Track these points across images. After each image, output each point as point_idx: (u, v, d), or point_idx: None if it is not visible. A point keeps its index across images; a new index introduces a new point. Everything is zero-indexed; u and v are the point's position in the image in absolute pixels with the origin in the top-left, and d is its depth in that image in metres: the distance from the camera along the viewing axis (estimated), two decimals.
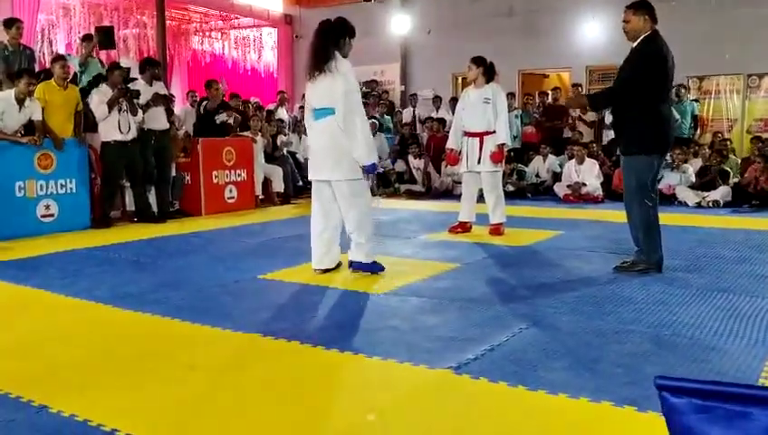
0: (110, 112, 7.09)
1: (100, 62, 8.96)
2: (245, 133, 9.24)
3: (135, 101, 7.31)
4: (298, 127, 11.37)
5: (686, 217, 7.76)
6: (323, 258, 4.75)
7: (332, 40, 4.51)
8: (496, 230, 6.43)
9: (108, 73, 7.40)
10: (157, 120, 7.67)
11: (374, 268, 4.68)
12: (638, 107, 4.44)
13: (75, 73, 7.93)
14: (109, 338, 3.39)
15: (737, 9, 10.91)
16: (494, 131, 6.35)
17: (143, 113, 7.43)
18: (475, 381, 2.66)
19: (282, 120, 10.94)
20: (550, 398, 2.49)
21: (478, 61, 6.49)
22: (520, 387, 2.59)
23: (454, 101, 12.42)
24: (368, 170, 4.55)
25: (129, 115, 7.21)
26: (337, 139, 4.45)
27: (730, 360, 2.88)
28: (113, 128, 7.16)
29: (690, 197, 8.85)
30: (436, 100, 12.46)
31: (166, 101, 7.93)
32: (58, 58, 7.39)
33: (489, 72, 6.51)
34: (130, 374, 2.83)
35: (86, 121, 7.37)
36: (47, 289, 4.37)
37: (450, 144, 6.66)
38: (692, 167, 9.27)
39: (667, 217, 7.64)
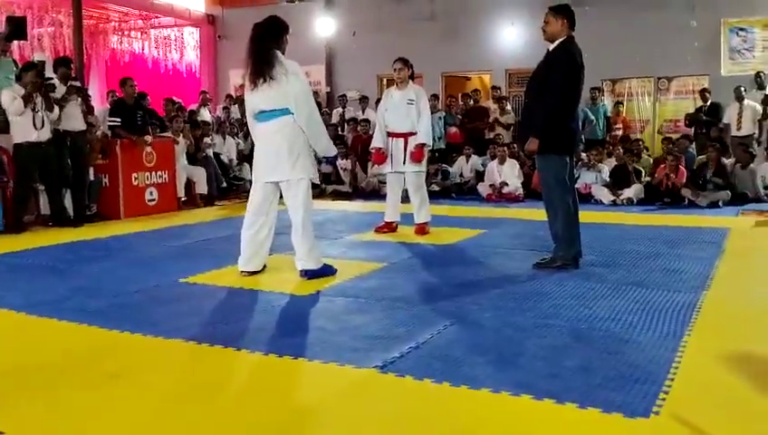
0: (25, 107, 6.76)
1: (14, 62, 8.55)
2: (167, 134, 9.01)
3: (51, 95, 7.00)
4: (222, 128, 11.18)
5: (601, 214, 8.07)
6: (252, 259, 4.69)
7: (272, 41, 4.46)
8: (422, 230, 6.50)
9: (22, 73, 7.05)
10: (73, 120, 7.37)
11: (327, 271, 4.62)
12: (555, 109, 4.59)
13: None
14: (22, 347, 3.24)
15: (647, 14, 11.44)
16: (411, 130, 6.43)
17: (59, 110, 7.12)
18: (401, 380, 2.70)
19: (206, 122, 10.72)
20: (473, 393, 2.55)
21: (406, 61, 6.52)
22: (444, 384, 2.64)
23: (380, 101, 12.53)
24: (330, 161, 4.62)
25: (43, 113, 6.90)
26: (294, 138, 4.41)
27: (643, 352, 3.02)
28: (26, 128, 6.82)
29: (605, 195, 9.21)
30: (363, 100, 12.51)
31: (82, 93, 7.63)
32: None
33: (412, 74, 6.62)
34: (46, 385, 2.72)
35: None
36: None
37: (376, 143, 6.66)
38: (606, 166, 9.66)
39: (583, 215, 7.90)
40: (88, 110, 7.94)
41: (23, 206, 7.06)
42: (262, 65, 4.38)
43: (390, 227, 6.66)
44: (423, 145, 6.44)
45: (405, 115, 6.42)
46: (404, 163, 6.47)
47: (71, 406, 2.49)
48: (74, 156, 7.41)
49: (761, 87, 10.04)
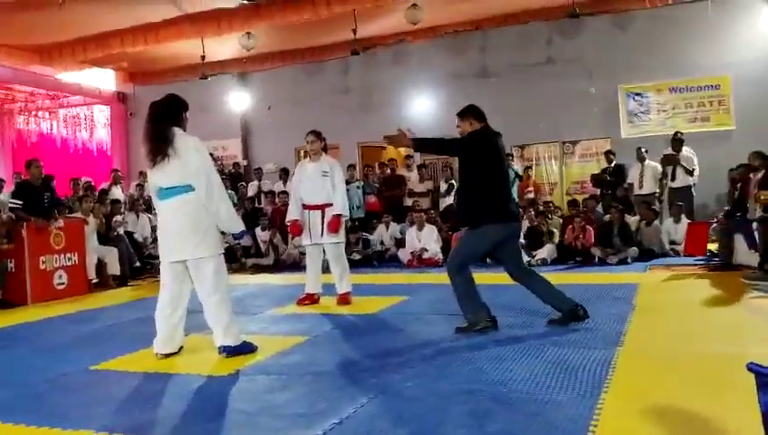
0: None
1: None
2: (76, 214, 8.72)
3: None
4: (135, 205, 10.92)
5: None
6: (169, 342, 4.54)
7: (169, 119, 4.43)
8: (344, 299, 6.49)
9: None
10: None
11: (246, 349, 4.50)
12: (476, 184, 4.95)
13: None
14: None
15: (549, 83, 12.16)
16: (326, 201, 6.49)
17: None
18: None
19: (117, 200, 10.45)
20: None
21: (319, 134, 6.62)
22: None
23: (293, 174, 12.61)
24: (238, 237, 4.53)
25: None
26: (197, 215, 4.33)
27: (563, 412, 3.07)
28: None
29: None
30: (283, 173, 12.54)
31: None
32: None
33: (325, 146, 6.73)
34: None
35: None
36: None
37: (291, 216, 6.65)
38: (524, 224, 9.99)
39: (499, 277, 8.12)
40: None
41: None
42: (159, 142, 4.31)
43: (312, 299, 6.61)
44: (339, 216, 6.50)
45: (320, 187, 6.47)
46: (322, 235, 6.49)
47: None
48: None
49: (675, 149, 10.39)
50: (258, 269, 10.24)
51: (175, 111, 4.50)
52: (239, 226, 4.66)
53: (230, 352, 4.43)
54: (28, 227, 7.76)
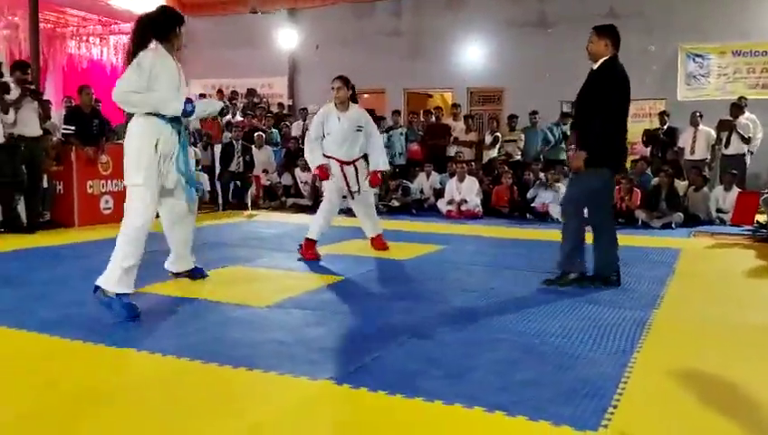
0: None
1: None
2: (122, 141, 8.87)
3: (6, 97, 6.85)
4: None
5: (558, 233, 8.20)
6: (174, 262, 4.79)
7: (156, 35, 4.02)
8: (381, 242, 6.44)
9: (13, 72, 6.91)
10: (28, 125, 7.22)
11: (115, 307, 3.78)
12: (605, 125, 4.64)
13: None
14: None
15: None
16: (365, 155, 6.16)
17: (15, 113, 6.95)
18: (355, 391, 2.70)
19: None
20: (426, 405, 2.57)
21: (347, 80, 6.03)
22: (398, 396, 2.65)
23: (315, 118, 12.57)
24: (187, 112, 4.01)
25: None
26: (129, 139, 4.03)
27: (593, 367, 3.08)
28: None
29: (562, 214, 9.37)
30: None
31: (37, 98, 7.47)
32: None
33: (354, 95, 6.14)
34: None
35: None
36: None
37: (318, 161, 5.94)
38: (564, 186, 9.84)
39: (540, 234, 8.09)
40: (44, 115, 7.78)
41: None
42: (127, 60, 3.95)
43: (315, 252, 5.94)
44: (381, 172, 6.33)
45: (356, 143, 6.04)
46: (358, 189, 6.14)
47: (12, 410, 2.43)
48: (29, 161, 7.25)
49: (733, 115, 10.02)
50: (297, 209, 10.35)
51: (164, 26, 4.06)
52: (180, 103, 4.04)
53: (98, 298, 3.85)
54: (77, 152, 7.94)
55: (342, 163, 6.00)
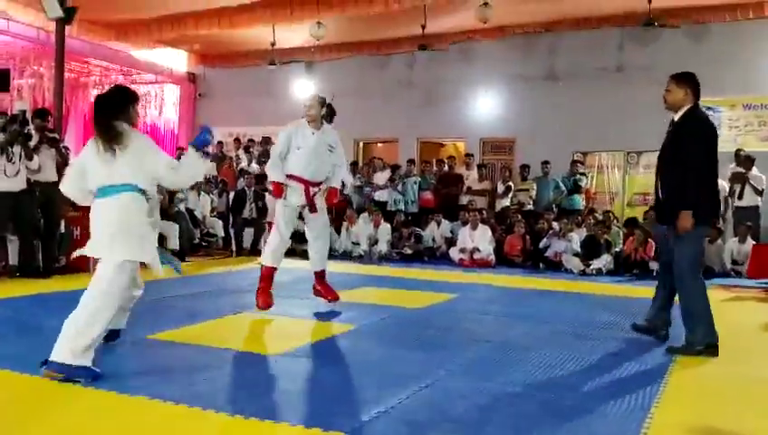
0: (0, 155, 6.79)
1: None
2: None
3: (29, 143, 7.00)
4: (198, 184, 11.20)
5: (571, 283, 8.18)
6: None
7: (116, 114, 3.80)
8: (323, 285, 5.85)
9: (6, 125, 7.07)
10: (46, 170, 7.35)
11: (79, 374, 3.42)
12: (699, 177, 4.38)
13: None
14: None
15: (618, 90, 11.87)
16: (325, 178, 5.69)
17: (37, 157, 7.08)
18: None
19: None
20: None
21: (322, 100, 5.69)
22: None
23: (354, 165, 12.69)
24: (199, 142, 3.81)
25: (20, 163, 6.87)
26: (131, 215, 3.74)
27: (611, 424, 3.03)
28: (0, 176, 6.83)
29: (575, 264, 9.35)
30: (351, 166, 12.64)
31: (55, 144, 7.60)
32: None
33: (330, 115, 5.80)
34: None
35: None
36: None
37: (277, 177, 5.54)
38: (577, 236, 9.83)
39: (554, 284, 8.05)
40: (63, 161, 7.91)
41: None
42: (105, 140, 3.71)
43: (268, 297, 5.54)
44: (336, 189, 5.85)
45: (323, 162, 5.59)
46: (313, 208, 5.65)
47: None
48: (46, 207, 7.36)
49: (739, 163, 10.15)
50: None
51: (120, 103, 3.87)
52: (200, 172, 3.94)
53: (54, 368, 3.45)
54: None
55: (308, 184, 5.53)
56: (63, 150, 8.43)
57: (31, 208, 7.13)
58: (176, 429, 2.85)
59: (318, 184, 5.61)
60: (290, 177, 5.52)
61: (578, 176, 11.34)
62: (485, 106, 13.01)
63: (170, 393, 3.23)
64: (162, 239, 9.15)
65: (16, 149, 6.90)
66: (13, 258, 7.31)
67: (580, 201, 11.24)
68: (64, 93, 11.21)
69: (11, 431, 2.76)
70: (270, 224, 10.78)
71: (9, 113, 9.98)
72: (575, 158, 11.76)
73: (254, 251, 10.29)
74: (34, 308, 5.52)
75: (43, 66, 12.72)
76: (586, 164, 12.46)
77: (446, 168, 11.84)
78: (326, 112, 5.70)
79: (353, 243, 10.55)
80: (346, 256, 10.43)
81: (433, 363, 3.95)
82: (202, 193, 10.99)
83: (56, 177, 7.54)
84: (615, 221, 10.76)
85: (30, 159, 6.99)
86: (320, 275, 5.91)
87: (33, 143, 7.18)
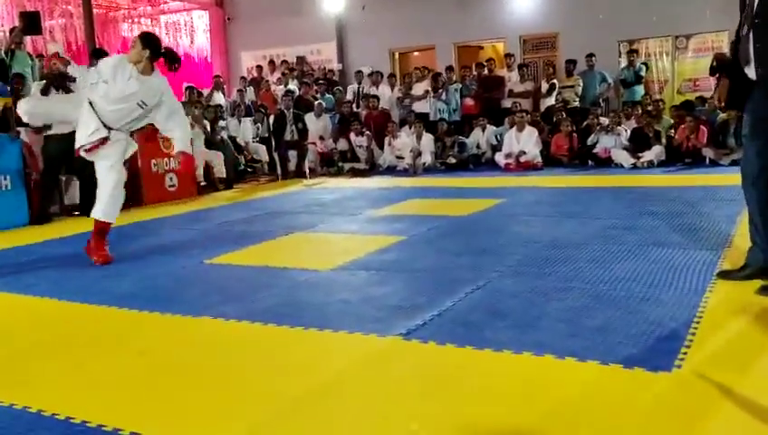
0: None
1: (30, 55, 8.69)
2: None
3: (71, 85, 7.09)
4: (238, 111, 11.24)
5: (621, 178, 8.03)
6: None
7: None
8: (94, 243, 4.90)
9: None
10: None
11: None
12: None
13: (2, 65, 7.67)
14: (53, 330, 3.33)
15: None
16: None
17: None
18: (424, 345, 2.74)
19: (219, 106, 10.77)
20: (496, 355, 2.59)
21: (148, 39, 4.75)
22: (467, 347, 2.68)
23: (392, 77, 12.46)
24: None
25: None
26: None
27: (664, 309, 3.03)
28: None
29: (625, 158, 9.13)
30: (375, 75, 12.45)
31: None
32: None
33: (170, 61, 4.78)
34: (79, 364, 2.80)
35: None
36: None
37: (100, 134, 4.76)
38: (625, 129, 9.56)
39: (603, 180, 7.92)
40: None
41: (48, 196, 7.18)
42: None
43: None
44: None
45: (140, 116, 4.83)
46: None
47: (101, 383, 2.57)
48: None
49: None
50: (355, 173, 10.42)
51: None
52: None
53: None
54: (139, 132, 8.15)
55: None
56: None
57: None
58: (238, 343, 2.97)
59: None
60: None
61: (638, 66, 10.88)
62: (523, 1, 12.48)
63: (233, 312, 3.36)
64: (209, 168, 9.31)
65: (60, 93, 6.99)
66: (67, 198, 7.56)
67: (641, 92, 10.84)
68: (95, 30, 11.24)
69: (97, 354, 2.93)
70: (313, 144, 10.85)
71: (45, 54, 10.11)
72: (631, 47, 11.26)
73: (299, 173, 10.39)
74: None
75: (71, 4, 12.69)
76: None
77: (486, 71, 11.51)
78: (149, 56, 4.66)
79: (397, 157, 10.51)
80: (390, 170, 10.44)
81: (483, 266, 3.99)
82: (243, 120, 11.03)
83: None
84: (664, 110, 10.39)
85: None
86: (96, 228, 4.92)
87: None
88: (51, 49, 8.40)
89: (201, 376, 2.61)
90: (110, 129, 4.76)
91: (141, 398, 2.42)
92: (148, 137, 8.18)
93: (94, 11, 11.87)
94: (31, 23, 8.59)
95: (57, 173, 7.21)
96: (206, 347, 2.96)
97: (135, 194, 8.04)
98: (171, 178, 8.54)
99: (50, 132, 7.01)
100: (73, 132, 7.01)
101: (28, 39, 9.84)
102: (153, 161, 8.29)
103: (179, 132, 4.92)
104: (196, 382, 2.54)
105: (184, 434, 2.13)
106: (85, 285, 4.16)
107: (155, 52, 4.66)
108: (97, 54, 7.91)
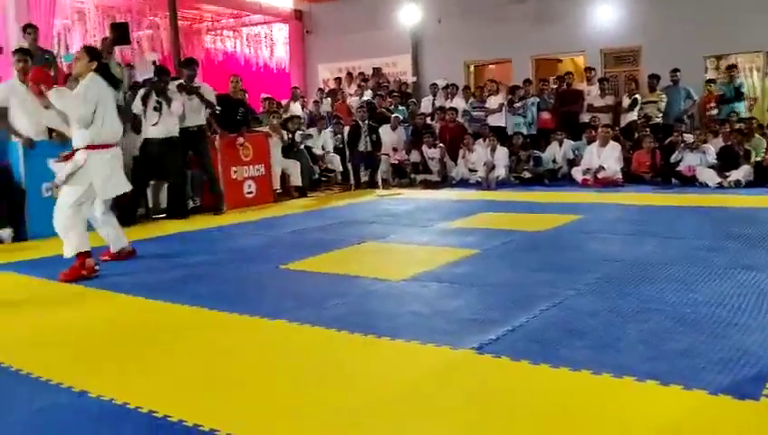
0: (144, 107, 7.31)
1: (118, 64, 9.12)
2: (262, 128, 9.33)
3: (169, 90, 7.44)
4: (315, 121, 11.46)
5: (707, 197, 7.71)
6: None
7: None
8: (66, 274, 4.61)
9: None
10: (189, 117, 7.78)
11: None
12: None
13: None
14: (140, 325, 3.47)
15: None
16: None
17: (177, 104, 7.45)
18: (497, 360, 2.70)
19: (297, 116, 10.99)
20: (572, 375, 2.52)
21: (90, 51, 4.85)
22: (542, 365, 2.62)
23: (467, 89, 12.41)
24: None
25: (162, 110, 7.30)
26: None
27: (752, 335, 2.88)
28: (146, 126, 7.37)
29: (711, 177, 8.76)
30: (450, 88, 12.43)
31: (194, 91, 7.90)
32: (14, 52, 6.91)
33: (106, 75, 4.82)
34: (166, 359, 2.90)
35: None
36: (77, 283, 4.46)
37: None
38: (712, 147, 9.18)
39: (687, 199, 7.63)
40: (207, 105, 8.14)
41: (136, 199, 7.49)
42: None
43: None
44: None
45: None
46: None
47: (185, 378, 2.65)
48: (196, 151, 7.90)
49: None
50: (426, 185, 10.41)
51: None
52: None
53: None
54: (221, 139, 8.42)
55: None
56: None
57: (174, 155, 7.54)
58: (312, 347, 3.01)
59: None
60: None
61: (738, 81, 10.43)
62: (605, 13, 12.20)
63: (307, 317, 3.41)
64: (285, 176, 9.52)
65: (154, 99, 7.32)
66: (150, 202, 7.86)
67: (743, 108, 10.36)
68: (180, 41, 11.70)
69: (179, 353, 3.03)
70: (386, 156, 10.91)
71: (133, 63, 10.60)
72: (728, 63, 10.78)
73: (372, 183, 10.48)
74: (178, 245, 5.94)
75: (158, 16, 13.26)
76: (720, 69, 11.48)
77: (565, 85, 11.30)
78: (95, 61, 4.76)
79: (470, 170, 10.44)
80: (463, 183, 10.38)
81: (560, 284, 3.90)
82: (324, 131, 11.22)
83: (199, 121, 7.92)
84: (760, 126, 9.89)
85: (169, 106, 7.36)
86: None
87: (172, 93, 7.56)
88: (148, 58, 8.81)
89: (277, 377, 2.66)
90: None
91: (222, 396, 2.49)
92: (228, 145, 8.45)
93: (179, 23, 12.36)
94: (121, 34, 9.04)
95: (148, 177, 7.51)
96: (282, 349, 3.02)
97: (216, 200, 8.29)
98: (249, 186, 8.76)
99: (146, 136, 7.35)
100: (168, 138, 7.37)
101: (117, 48, 10.35)
102: (233, 168, 8.53)
103: None
104: (273, 383, 2.59)
105: (253, 432, 2.17)
106: (169, 285, 4.31)
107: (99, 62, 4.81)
108: (187, 63, 8.22)
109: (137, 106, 7.43)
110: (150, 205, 7.88)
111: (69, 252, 4.63)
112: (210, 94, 8.06)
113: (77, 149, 4.70)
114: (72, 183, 4.67)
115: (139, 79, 9.04)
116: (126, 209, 7.31)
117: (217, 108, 8.25)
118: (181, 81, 7.95)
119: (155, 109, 7.33)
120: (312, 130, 11.03)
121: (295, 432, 2.16)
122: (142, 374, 2.75)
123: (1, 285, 4.56)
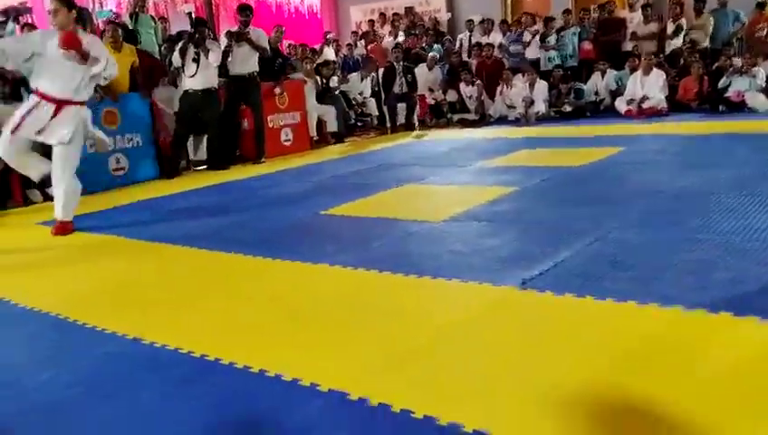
0: (182, 60, 7.32)
1: (153, 18, 9.11)
2: (296, 75, 9.26)
3: (211, 40, 7.44)
4: (347, 66, 11.33)
5: (757, 123, 7.42)
6: None
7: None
8: (62, 229, 4.80)
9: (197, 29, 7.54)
10: (240, 64, 7.78)
11: None
12: None
13: (128, 29, 8.07)
14: (189, 274, 3.54)
15: None
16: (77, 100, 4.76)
17: (214, 54, 7.39)
18: (542, 295, 2.69)
19: (331, 61, 10.85)
20: (618, 306, 2.50)
21: (65, 1, 4.66)
22: (587, 297, 2.60)
23: (504, 23, 12.05)
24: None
25: (200, 61, 7.28)
26: None
27: None
28: (186, 77, 7.40)
29: (761, 103, 8.42)
30: (486, 23, 12.09)
31: (242, 37, 7.80)
32: (108, 23, 7.54)
33: (83, 21, 4.81)
34: (216, 304, 2.96)
35: (154, 75, 7.57)
36: (125, 236, 4.57)
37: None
38: (762, 70, 8.78)
39: (736, 126, 7.36)
40: (258, 51, 8.06)
41: (178, 151, 7.59)
42: None
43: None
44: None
45: (69, 75, 4.69)
46: (42, 132, 4.68)
47: (232, 320, 2.72)
48: (246, 100, 7.94)
49: None
50: (464, 124, 10.26)
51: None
52: None
53: None
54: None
55: (43, 98, 4.68)
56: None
57: (212, 106, 7.54)
58: (359, 289, 3.04)
59: (56, 101, 4.67)
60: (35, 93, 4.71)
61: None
62: None
63: (349, 260, 3.44)
64: (321, 123, 9.49)
65: (192, 50, 7.30)
66: (192, 153, 7.95)
67: None
68: None
69: (233, 299, 3.10)
70: (422, 97, 10.76)
71: (166, 16, 10.58)
72: None
73: (409, 125, 10.38)
74: (219, 195, 6.01)
75: None
76: None
77: (606, 13, 10.86)
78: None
79: (508, 106, 10.24)
80: (502, 120, 10.21)
81: (602, 218, 3.84)
82: (355, 74, 11.08)
83: (250, 68, 7.90)
84: None
85: (207, 57, 7.34)
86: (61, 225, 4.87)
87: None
88: (184, 9, 8.77)
89: (323, 320, 2.69)
90: None
91: (268, 339, 2.54)
92: (265, 94, 8.43)
93: None
94: None
95: (189, 129, 7.57)
96: (327, 293, 3.05)
97: (253, 149, 8.34)
98: (287, 133, 8.78)
99: (185, 88, 7.38)
100: (206, 90, 7.38)
101: (151, 2, 10.34)
102: (270, 117, 8.53)
103: None
104: (319, 326, 2.63)
105: (302, 373, 2.21)
106: (212, 234, 4.39)
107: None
108: (241, 10, 8.02)
109: (176, 59, 7.44)
110: (192, 156, 7.97)
111: (68, 215, 4.86)
112: (263, 39, 8.00)
113: (81, 103, 4.83)
114: (77, 142, 4.80)
115: (173, 32, 9.04)
116: (168, 161, 7.44)
117: (268, 51, 8.18)
118: (232, 29, 7.93)
119: (193, 60, 7.32)
120: (354, 76, 10.88)
121: (347, 372, 2.20)
122: (193, 321, 2.82)
123: (53, 241, 4.70)
